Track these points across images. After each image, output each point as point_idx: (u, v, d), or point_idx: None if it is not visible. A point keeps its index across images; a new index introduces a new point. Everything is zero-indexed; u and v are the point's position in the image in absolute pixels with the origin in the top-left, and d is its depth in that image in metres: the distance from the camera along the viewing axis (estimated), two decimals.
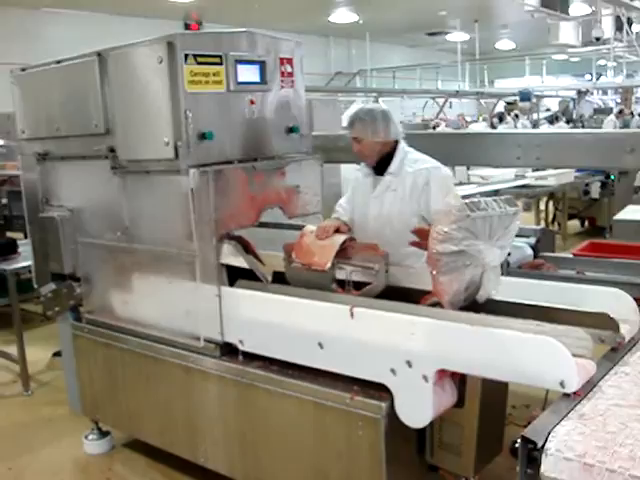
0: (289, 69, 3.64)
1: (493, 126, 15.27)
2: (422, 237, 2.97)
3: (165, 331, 3.58)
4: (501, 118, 16.21)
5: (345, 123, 3.67)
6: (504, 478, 3.10)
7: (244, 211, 3.38)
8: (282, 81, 3.62)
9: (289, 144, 3.72)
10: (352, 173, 3.92)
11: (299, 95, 3.75)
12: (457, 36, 21.12)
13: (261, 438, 3.28)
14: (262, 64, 3.48)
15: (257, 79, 3.47)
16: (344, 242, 3.25)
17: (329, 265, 3.20)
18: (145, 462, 4.15)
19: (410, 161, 3.57)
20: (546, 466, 1.97)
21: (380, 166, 3.62)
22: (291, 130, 3.69)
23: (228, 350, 3.33)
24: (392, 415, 2.73)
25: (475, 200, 2.71)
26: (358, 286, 3.21)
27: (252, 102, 3.46)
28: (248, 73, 3.41)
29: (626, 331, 2.73)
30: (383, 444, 2.78)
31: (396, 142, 3.60)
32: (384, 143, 3.56)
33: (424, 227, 3.06)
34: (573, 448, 1.95)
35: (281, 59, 3.60)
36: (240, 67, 3.36)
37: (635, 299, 2.94)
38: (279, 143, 3.66)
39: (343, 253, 3.24)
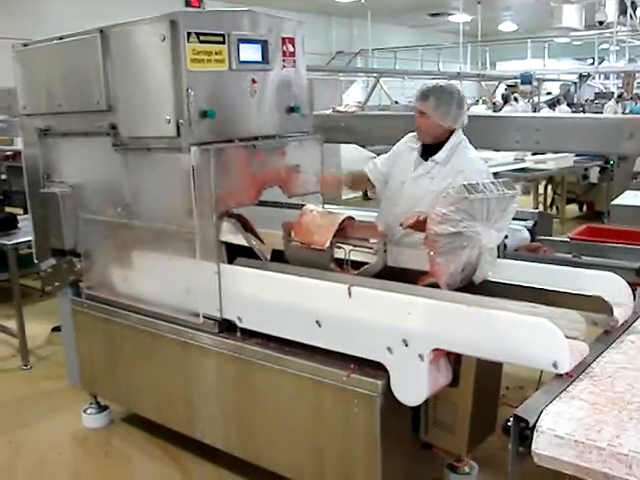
0: (291, 49, 3.65)
1: (495, 109, 15.26)
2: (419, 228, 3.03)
3: (164, 307, 3.61)
4: (506, 100, 16.19)
5: (419, 94, 3.50)
6: (496, 457, 3.15)
7: (244, 189, 3.41)
8: (284, 61, 3.63)
9: (290, 123, 3.74)
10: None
11: (300, 75, 3.76)
12: (459, 17, 20.96)
13: (258, 414, 3.32)
14: (264, 43, 3.49)
15: (259, 58, 3.48)
16: (343, 221, 3.27)
17: (328, 244, 3.22)
18: (143, 436, 4.19)
19: (458, 156, 3.46)
20: (538, 443, 2.01)
21: (429, 148, 3.54)
22: (292, 110, 3.71)
23: (227, 327, 3.37)
24: (388, 393, 2.77)
25: (473, 182, 2.74)
26: (356, 265, 3.24)
27: (254, 81, 3.48)
28: (250, 52, 3.42)
29: (619, 314, 2.76)
30: (378, 421, 2.83)
31: (452, 130, 3.50)
32: (445, 129, 3.47)
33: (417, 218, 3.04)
34: (565, 425, 2.00)
35: (283, 39, 3.61)
36: (242, 46, 3.37)
37: (629, 283, 2.98)
38: (280, 122, 3.68)
39: (342, 232, 3.26)
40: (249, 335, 3.30)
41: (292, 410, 3.17)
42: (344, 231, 3.26)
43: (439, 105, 3.41)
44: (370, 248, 3.17)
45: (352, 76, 14.93)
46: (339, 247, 3.27)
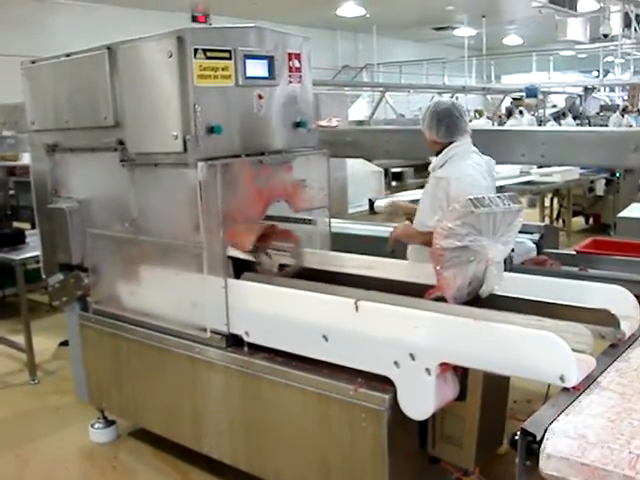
0: (297, 64, 3.67)
1: (500, 122, 15.26)
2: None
3: (171, 322, 3.62)
4: (510, 113, 16.19)
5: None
6: (504, 471, 3.13)
7: (251, 204, 3.43)
8: (290, 76, 3.65)
9: (296, 138, 3.76)
10: None
11: (306, 90, 3.78)
12: (464, 31, 21.05)
13: (265, 429, 3.32)
14: (270, 59, 3.52)
15: (265, 74, 3.51)
16: (266, 228, 3.49)
17: (250, 247, 3.42)
18: (150, 451, 4.20)
19: (449, 164, 3.48)
20: (547, 450, 2.02)
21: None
22: (298, 125, 3.73)
23: (234, 341, 3.37)
24: (395, 407, 2.77)
25: (479, 196, 2.75)
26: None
27: (260, 97, 3.50)
28: (257, 68, 3.45)
29: (626, 327, 2.76)
30: (386, 436, 2.82)
31: (451, 142, 3.52)
32: (432, 141, 3.56)
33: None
34: (575, 434, 2.01)
35: (289, 54, 3.64)
36: (249, 62, 3.40)
37: (636, 296, 2.97)
38: (286, 137, 3.70)
39: (266, 238, 3.50)
40: (256, 350, 3.30)
41: (299, 424, 3.17)
42: (268, 237, 3.48)
43: (423, 121, 3.57)
44: (288, 252, 3.47)
45: (358, 90, 14.97)
46: (266, 253, 3.52)
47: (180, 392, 3.70)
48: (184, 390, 3.67)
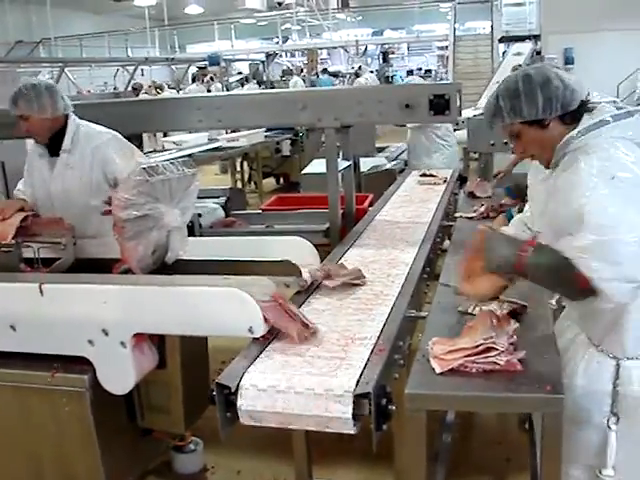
0: None
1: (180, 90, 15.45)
2: None
3: None
4: (194, 79, 16.43)
5: (10, 102, 3.36)
6: (216, 428, 3.23)
7: None
8: None
9: None
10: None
11: None
12: (144, 1, 20.78)
13: None
14: None
15: None
16: (25, 219, 3.15)
17: (10, 238, 3.10)
18: None
19: (84, 136, 3.41)
20: (243, 402, 2.12)
21: (54, 144, 3.42)
22: None
23: None
24: (96, 386, 2.72)
25: (153, 165, 2.77)
26: (48, 263, 3.14)
27: None
28: None
29: (307, 275, 2.93)
30: (91, 416, 2.76)
31: (66, 116, 3.42)
32: (53, 119, 3.36)
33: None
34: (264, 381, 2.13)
35: None
36: None
37: (319, 245, 3.20)
38: None
39: (26, 230, 3.14)
40: None
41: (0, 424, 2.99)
42: (29, 229, 3.14)
43: (31, 102, 3.31)
44: (59, 243, 3.10)
45: (35, 67, 14.15)
46: (28, 246, 3.14)
47: None
48: None
